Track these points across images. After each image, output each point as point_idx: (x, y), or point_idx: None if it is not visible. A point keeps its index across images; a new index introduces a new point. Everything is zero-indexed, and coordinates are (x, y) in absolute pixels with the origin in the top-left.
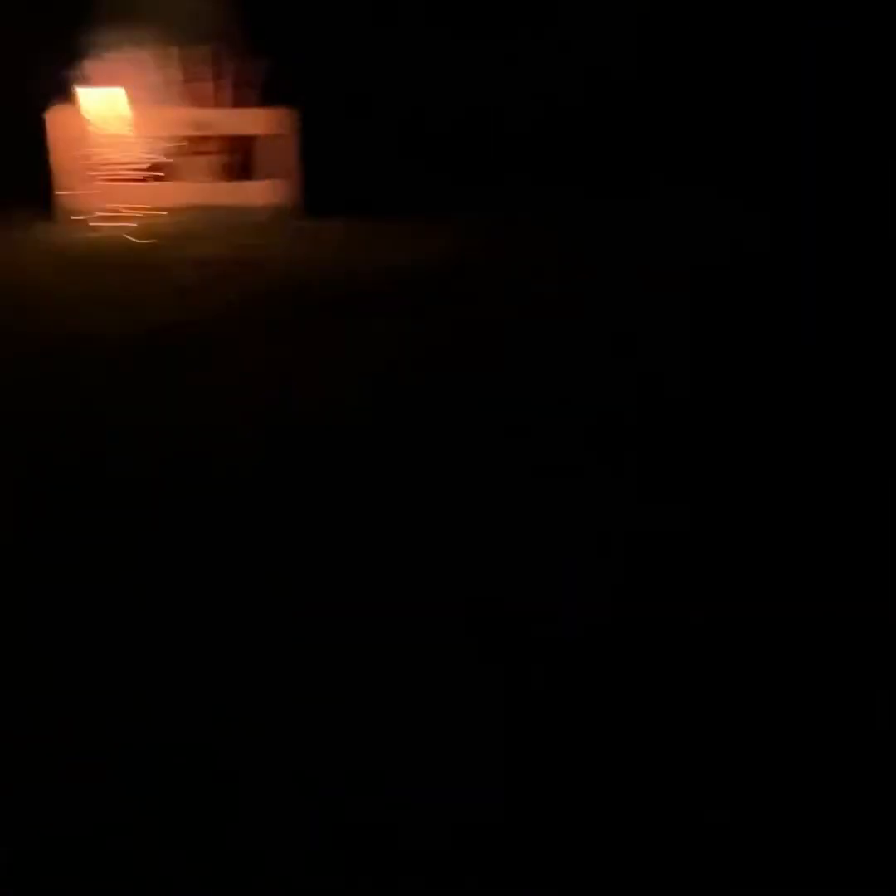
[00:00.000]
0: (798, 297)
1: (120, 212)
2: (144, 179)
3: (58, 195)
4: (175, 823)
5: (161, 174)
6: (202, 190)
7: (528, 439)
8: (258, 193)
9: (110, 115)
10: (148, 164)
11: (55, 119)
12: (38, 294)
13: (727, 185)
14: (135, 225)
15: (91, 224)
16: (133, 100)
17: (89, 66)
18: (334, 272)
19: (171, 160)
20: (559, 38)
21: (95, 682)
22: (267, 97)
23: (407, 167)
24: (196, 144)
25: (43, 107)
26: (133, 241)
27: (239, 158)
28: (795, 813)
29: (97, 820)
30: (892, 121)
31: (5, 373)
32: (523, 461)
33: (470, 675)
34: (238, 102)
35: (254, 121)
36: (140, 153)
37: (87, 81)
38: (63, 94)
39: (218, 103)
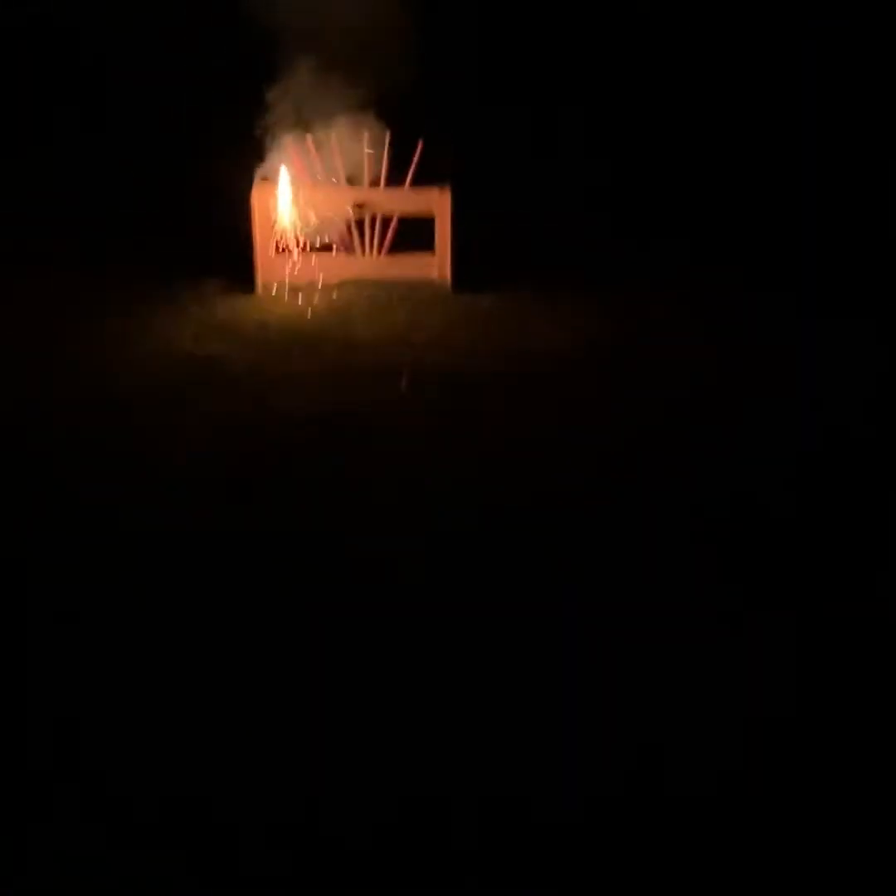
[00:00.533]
0: None
1: (300, 284)
2: (318, 254)
3: (256, 268)
4: None
5: (332, 249)
6: (366, 264)
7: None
8: (416, 268)
9: (291, 194)
10: (322, 240)
11: (257, 196)
12: (231, 369)
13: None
14: (312, 298)
15: (278, 295)
16: (306, 180)
17: (277, 146)
18: (486, 351)
19: (341, 236)
20: None
21: None
22: (424, 178)
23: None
24: (361, 221)
25: (249, 184)
26: (311, 314)
27: (395, 235)
28: None
29: None
30: None
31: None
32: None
33: None
34: (399, 182)
35: (409, 200)
36: (316, 229)
37: (280, 161)
38: (264, 172)
39: (380, 183)
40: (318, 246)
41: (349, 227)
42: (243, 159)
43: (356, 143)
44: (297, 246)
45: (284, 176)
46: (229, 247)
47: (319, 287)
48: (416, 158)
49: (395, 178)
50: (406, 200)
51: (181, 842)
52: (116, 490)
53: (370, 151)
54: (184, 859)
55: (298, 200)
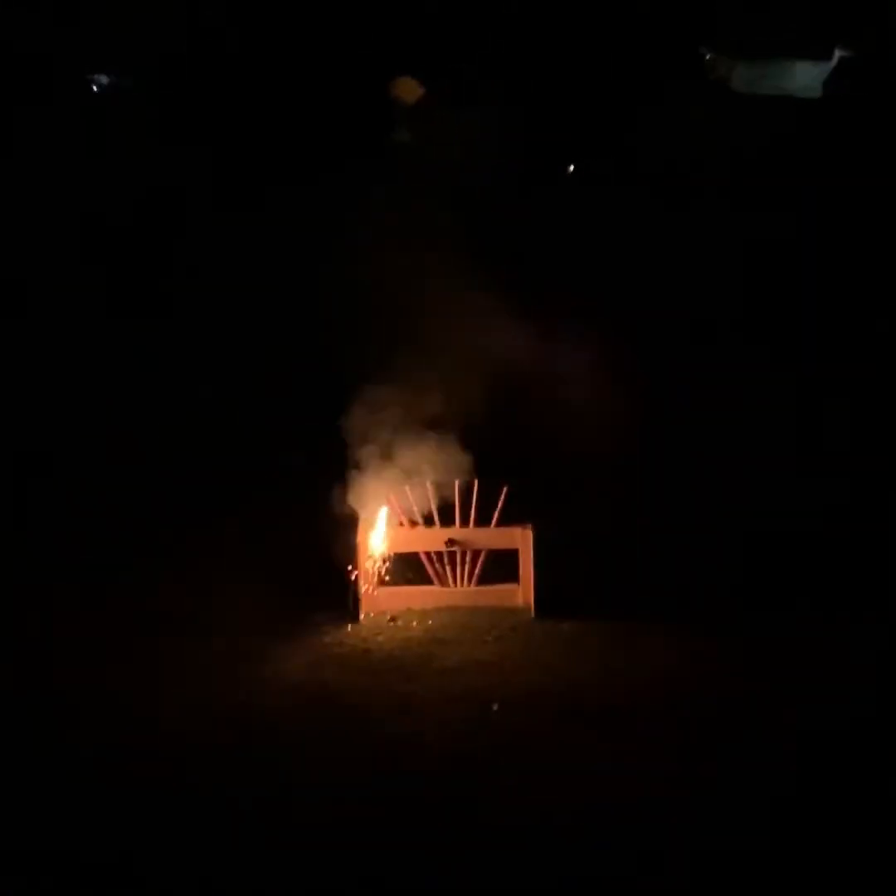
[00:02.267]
0: None
1: (399, 612)
2: (415, 586)
3: (359, 599)
4: None
5: (427, 581)
6: (459, 594)
7: None
8: (502, 597)
9: (382, 532)
10: (408, 572)
11: (362, 534)
12: (338, 694)
13: None
14: (409, 625)
15: (379, 624)
16: (404, 520)
17: (375, 491)
18: (564, 673)
19: (429, 569)
20: None
21: None
22: (505, 517)
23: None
24: (448, 556)
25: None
26: (409, 641)
27: (482, 567)
28: None
29: None
30: None
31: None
32: None
33: None
34: (482, 522)
35: (496, 537)
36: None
37: (379, 503)
38: (364, 513)
39: (465, 523)
40: (407, 579)
41: (442, 561)
42: (342, 502)
43: (448, 490)
44: (387, 578)
45: (383, 516)
46: (333, 580)
47: (416, 615)
48: (501, 502)
49: (482, 518)
50: (492, 537)
51: None
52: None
53: (459, 496)
54: None
55: (393, 538)
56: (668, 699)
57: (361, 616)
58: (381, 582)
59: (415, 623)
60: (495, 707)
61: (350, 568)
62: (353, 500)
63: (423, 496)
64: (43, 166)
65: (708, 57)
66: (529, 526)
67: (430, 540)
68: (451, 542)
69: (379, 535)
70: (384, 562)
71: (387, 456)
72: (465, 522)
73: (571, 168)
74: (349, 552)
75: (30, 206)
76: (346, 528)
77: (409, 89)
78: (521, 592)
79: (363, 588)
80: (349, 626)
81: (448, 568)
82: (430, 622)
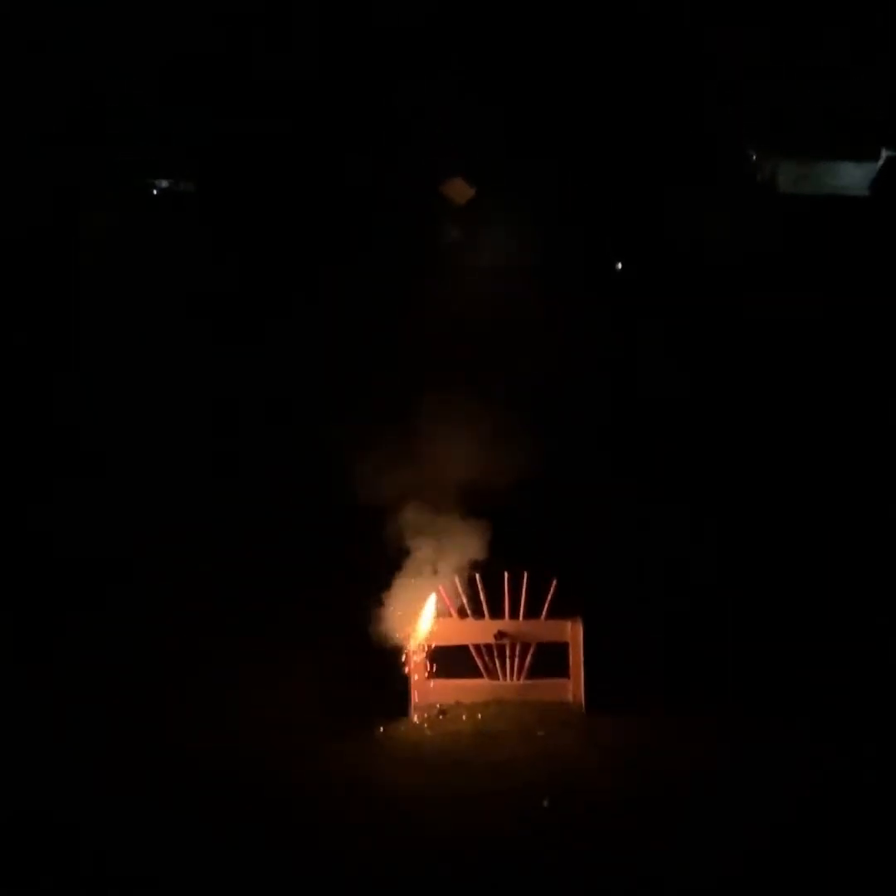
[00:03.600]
0: None
1: (448, 706)
2: (464, 679)
3: (407, 692)
4: None
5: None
6: (508, 687)
7: None
8: (552, 691)
9: (428, 626)
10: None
11: (412, 621)
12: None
13: None
14: (459, 719)
15: (430, 718)
16: (453, 611)
17: (426, 582)
18: (616, 773)
19: (479, 662)
20: None
21: None
22: (555, 610)
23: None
24: (497, 649)
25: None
26: (459, 735)
27: (532, 661)
28: None
29: None
30: None
31: None
32: None
33: None
34: (531, 614)
35: (545, 630)
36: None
37: (429, 594)
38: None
39: (514, 615)
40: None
41: (492, 654)
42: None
43: (498, 582)
44: (432, 671)
45: (431, 606)
46: (384, 673)
47: (466, 709)
48: (551, 594)
49: (532, 610)
50: (542, 630)
51: None
52: None
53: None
54: None
55: (441, 629)
56: (713, 804)
57: (412, 709)
58: (431, 675)
59: (464, 717)
60: (545, 803)
61: (400, 661)
62: (401, 592)
63: (474, 586)
64: None
65: (753, 157)
66: (579, 619)
67: (479, 632)
68: (500, 634)
69: (427, 626)
70: (433, 653)
71: (435, 548)
72: (514, 614)
73: (619, 266)
74: (399, 645)
75: None
76: (395, 621)
77: (459, 190)
78: (572, 687)
79: (413, 681)
80: (399, 719)
81: (497, 661)
82: (479, 716)
